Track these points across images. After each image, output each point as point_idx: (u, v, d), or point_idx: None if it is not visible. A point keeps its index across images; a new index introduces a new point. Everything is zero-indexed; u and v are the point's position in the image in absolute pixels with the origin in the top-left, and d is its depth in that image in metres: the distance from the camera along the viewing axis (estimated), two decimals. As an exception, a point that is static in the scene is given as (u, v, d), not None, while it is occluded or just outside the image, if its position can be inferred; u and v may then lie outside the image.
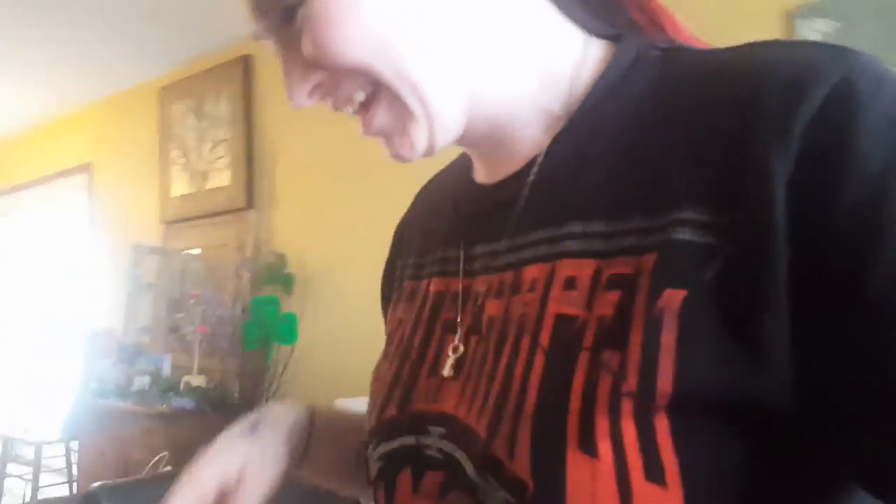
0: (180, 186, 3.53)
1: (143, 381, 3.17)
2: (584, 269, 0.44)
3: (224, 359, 3.10)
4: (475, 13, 0.49)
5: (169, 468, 2.56)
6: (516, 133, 0.52)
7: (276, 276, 2.97)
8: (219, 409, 2.85)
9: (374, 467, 0.54)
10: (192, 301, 3.21)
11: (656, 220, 0.42)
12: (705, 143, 0.42)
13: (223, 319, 3.10)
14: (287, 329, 2.83)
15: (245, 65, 3.26)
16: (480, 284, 0.52)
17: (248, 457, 0.59)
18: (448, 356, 0.51)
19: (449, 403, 0.49)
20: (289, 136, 3.11)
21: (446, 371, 0.50)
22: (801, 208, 0.38)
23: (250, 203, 3.23)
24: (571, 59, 0.52)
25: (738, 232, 0.39)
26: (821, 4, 1.77)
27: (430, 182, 0.70)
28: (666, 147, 0.44)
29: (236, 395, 3.01)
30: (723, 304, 0.39)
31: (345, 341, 2.73)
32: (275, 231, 3.15)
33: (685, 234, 0.41)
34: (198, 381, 3.08)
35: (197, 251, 3.40)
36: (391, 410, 0.53)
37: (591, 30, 0.53)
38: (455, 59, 0.48)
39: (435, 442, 0.48)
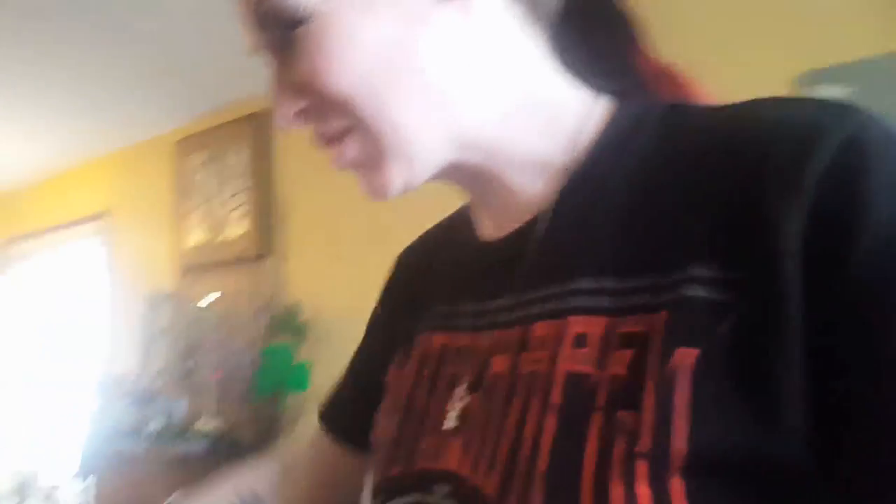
0: (196, 236, 3.58)
1: (157, 424, 3.23)
2: (594, 327, 0.44)
3: (238, 405, 3.15)
4: (471, 58, 0.49)
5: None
6: (514, 179, 0.53)
7: (289, 324, 3.00)
8: (231, 453, 2.89)
9: None
10: (206, 347, 3.26)
11: (667, 277, 0.42)
12: (714, 200, 0.43)
13: (237, 366, 3.15)
14: (299, 377, 2.86)
15: (262, 119, 3.30)
16: (486, 340, 0.51)
17: None
18: (451, 410, 0.51)
19: (452, 461, 0.48)
20: (306, 187, 3.15)
21: (449, 423, 0.50)
22: (814, 263, 0.38)
23: (266, 252, 3.27)
24: (574, 112, 0.52)
25: (750, 288, 0.39)
26: (827, 72, 1.82)
27: (410, 248, 0.72)
28: (674, 204, 0.45)
29: (248, 441, 3.06)
30: (736, 361, 0.39)
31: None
32: (290, 279, 3.18)
33: (697, 291, 0.41)
34: (211, 425, 3.14)
35: (212, 299, 3.46)
36: (397, 467, 0.53)
37: (596, 87, 0.54)
38: (445, 102, 0.48)
39: (439, 501, 0.48)
